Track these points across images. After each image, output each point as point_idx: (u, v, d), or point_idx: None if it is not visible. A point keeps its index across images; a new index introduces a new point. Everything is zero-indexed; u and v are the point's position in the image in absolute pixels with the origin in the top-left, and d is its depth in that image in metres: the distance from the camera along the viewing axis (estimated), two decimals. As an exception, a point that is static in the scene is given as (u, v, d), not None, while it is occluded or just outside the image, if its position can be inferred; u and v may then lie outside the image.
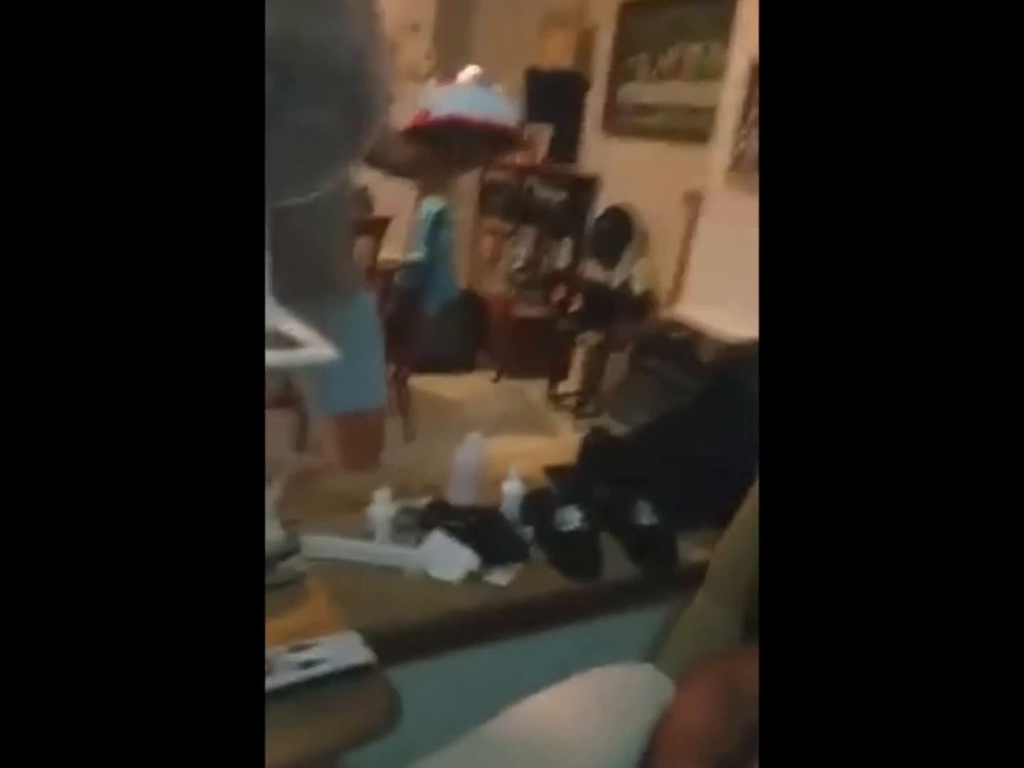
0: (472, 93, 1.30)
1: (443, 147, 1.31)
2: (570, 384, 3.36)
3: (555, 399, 3.34)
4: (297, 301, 0.81)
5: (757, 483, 0.95)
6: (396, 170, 1.43)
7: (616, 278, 2.90)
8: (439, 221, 2.44)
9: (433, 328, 2.74)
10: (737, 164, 1.43)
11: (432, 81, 1.41)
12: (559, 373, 3.41)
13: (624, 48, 2.90)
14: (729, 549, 0.99)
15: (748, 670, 0.74)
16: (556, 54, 3.19)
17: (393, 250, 2.55)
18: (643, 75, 2.80)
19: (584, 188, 3.30)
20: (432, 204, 2.44)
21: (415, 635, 0.89)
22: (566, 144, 3.41)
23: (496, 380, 3.49)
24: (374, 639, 0.73)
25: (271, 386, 1.31)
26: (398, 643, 0.82)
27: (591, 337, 3.01)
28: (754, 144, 1.42)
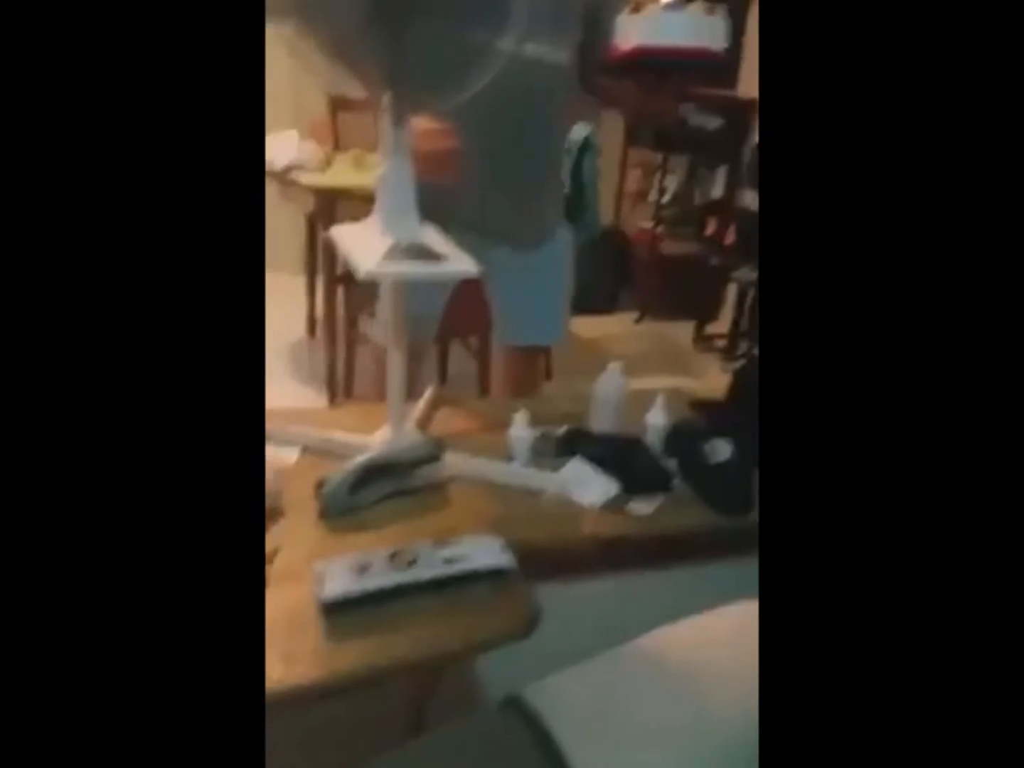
0: (661, 19, 1.19)
1: (638, 79, 1.23)
2: (720, 325, 3.17)
3: (703, 340, 3.17)
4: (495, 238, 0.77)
5: None
6: (606, 101, 1.39)
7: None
8: (584, 149, 2.34)
9: (575, 266, 2.67)
10: None
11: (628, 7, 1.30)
12: (709, 313, 3.23)
13: None
14: None
15: None
16: None
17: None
18: None
19: (743, 113, 3.05)
20: (578, 131, 2.34)
21: (553, 556, 0.88)
22: (726, 68, 3.15)
23: (639, 321, 3.37)
24: (517, 555, 0.73)
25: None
26: (536, 561, 0.81)
27: (746, 273, 2.80)
28: None
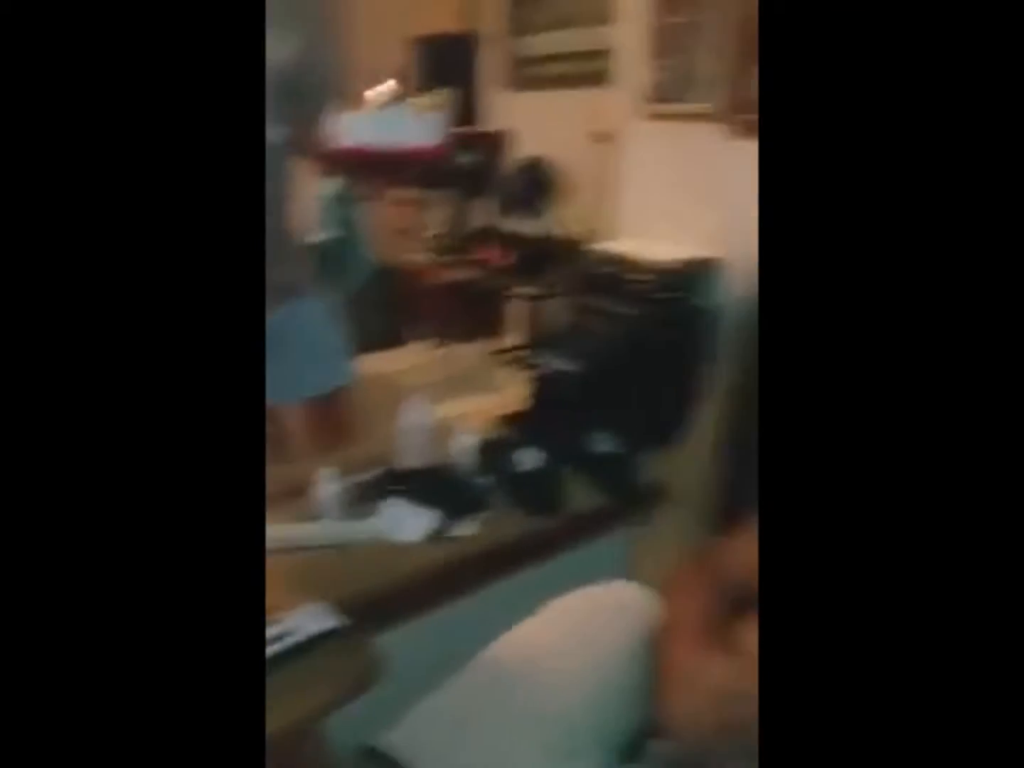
0: (379, 117, 1.19)
1: (358, 173, 1.24)
2: (510, 339, 3.33)
3: (497, 355, 3.31)
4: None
5: (708, 398, 0.94)
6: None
7: (542, 227, 2.86)
8: (337, 201, 2.34)
9: (354, 308, 2.66)
10: (645, 98, 1.40)
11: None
12: (495, 330, 3.38)
13: (514, 2, 2.86)
14: (689, 462, 0.99)
15: (730, 557, 0.74)
16: (443, 19, 3.11)
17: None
18: (537, 26, 2.78)
19: (496, 144, 3.27)
20: (327, 185, 2.34)
21: (387, 601, 0.86)
22: (467, 106, 3.37)
23: (437, 347, 3.43)
24: (347, 612, 0.70)
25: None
26: (373, 611, 0.79)
27: (525, 289, 2.98)
28: (661, 75, 1.38)
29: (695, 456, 0.95)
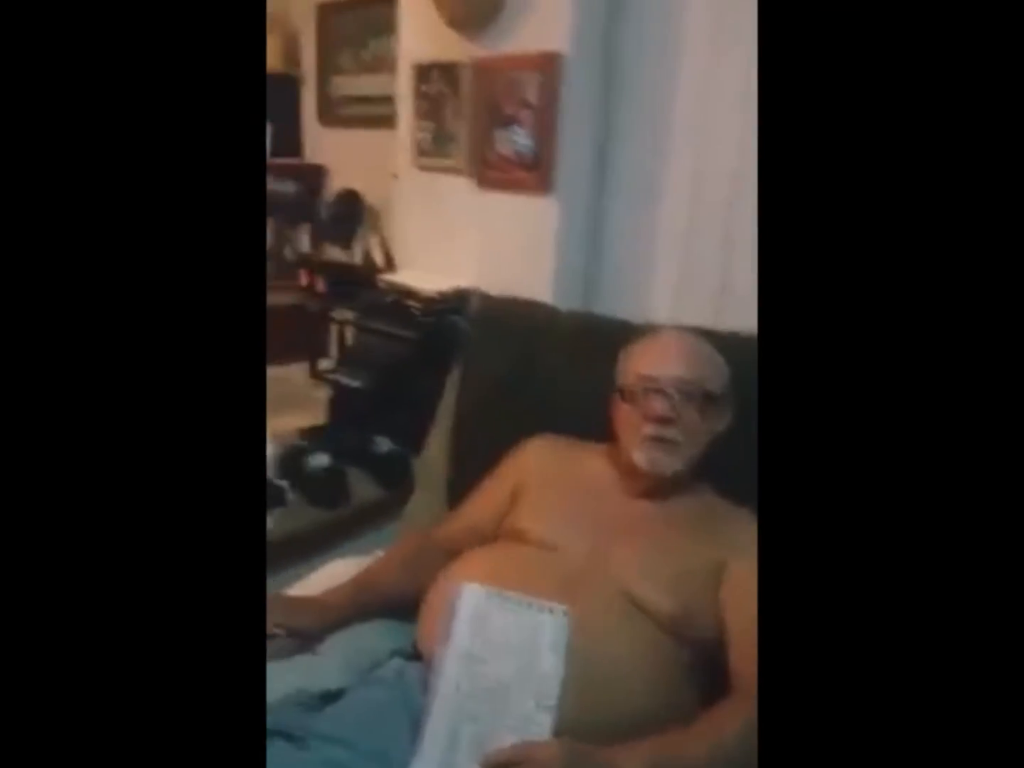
0: None
1: None
2: (331, 360, 3.49)
3: (317, 376, 3.47)
4: None
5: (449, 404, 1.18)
6: None
7: (355, 255, 3.11)
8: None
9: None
10: (416, 149, 1.66)
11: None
12: (319, 351, 3.54)
13: (328, 46, 3.17)
14: (428, 453, 1.21)
15: (437, 532, 0.98)
16: (269, 59, 3.36)
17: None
18: (349, 69, 3.10)
19: (313, 176, 3.48)
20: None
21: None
22: (289, 140, 3.63)
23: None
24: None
25: None
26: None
27: (340, 313, 3.19)
28: (424, 135, 1.66)
29: (437, 452, 1.21)
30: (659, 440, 0.84)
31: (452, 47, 1.51)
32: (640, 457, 0.85)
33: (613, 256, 1.47)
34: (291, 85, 3.46)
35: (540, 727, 0.68)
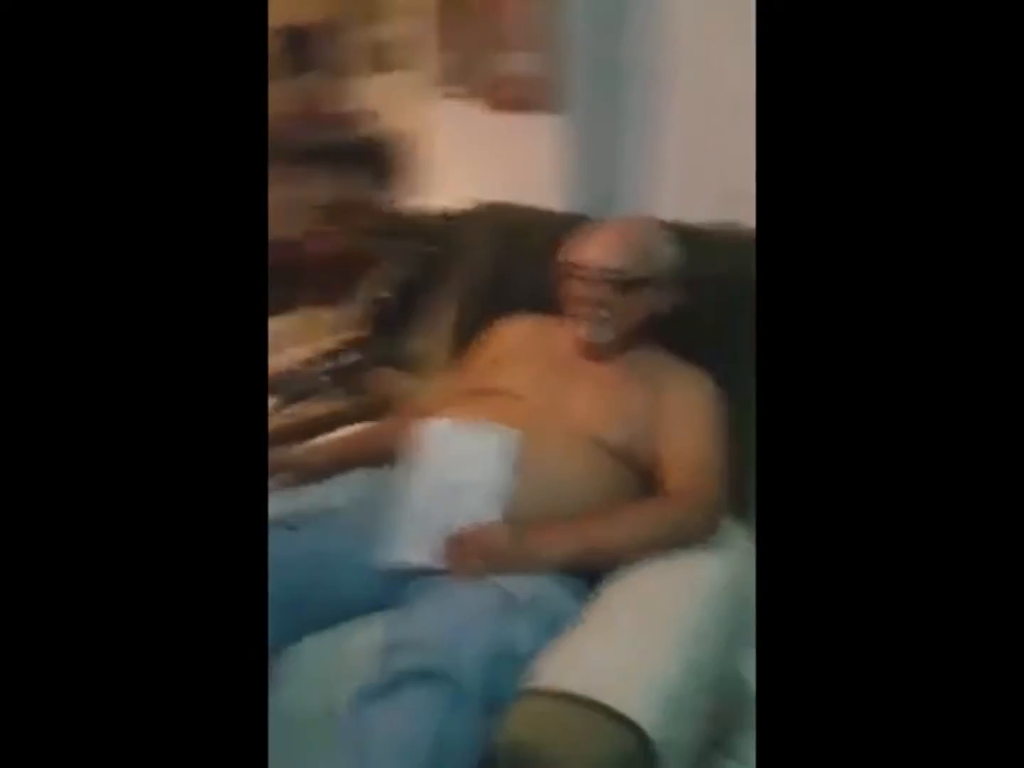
0: None
1: None
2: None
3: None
4: None
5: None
6: None
7: (396, 197, 3.26)
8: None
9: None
10: (434, 82, 1.82)
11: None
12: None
13: None
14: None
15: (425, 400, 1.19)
16: (305, 9, 3.45)
17: None
18: (375, 15, 3.25)
19: (356, 122, 3.57)
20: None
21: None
22: (334, 88, 3.74)
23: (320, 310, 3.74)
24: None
25: None
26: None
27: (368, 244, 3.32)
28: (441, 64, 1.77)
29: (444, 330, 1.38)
30: (587, 317, 1.01)
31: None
32: (578, 329, 1.03)
33: (623, 164, 1.49)
34: (328, 33, 3.53)
35: (490, 518, 0.86)
